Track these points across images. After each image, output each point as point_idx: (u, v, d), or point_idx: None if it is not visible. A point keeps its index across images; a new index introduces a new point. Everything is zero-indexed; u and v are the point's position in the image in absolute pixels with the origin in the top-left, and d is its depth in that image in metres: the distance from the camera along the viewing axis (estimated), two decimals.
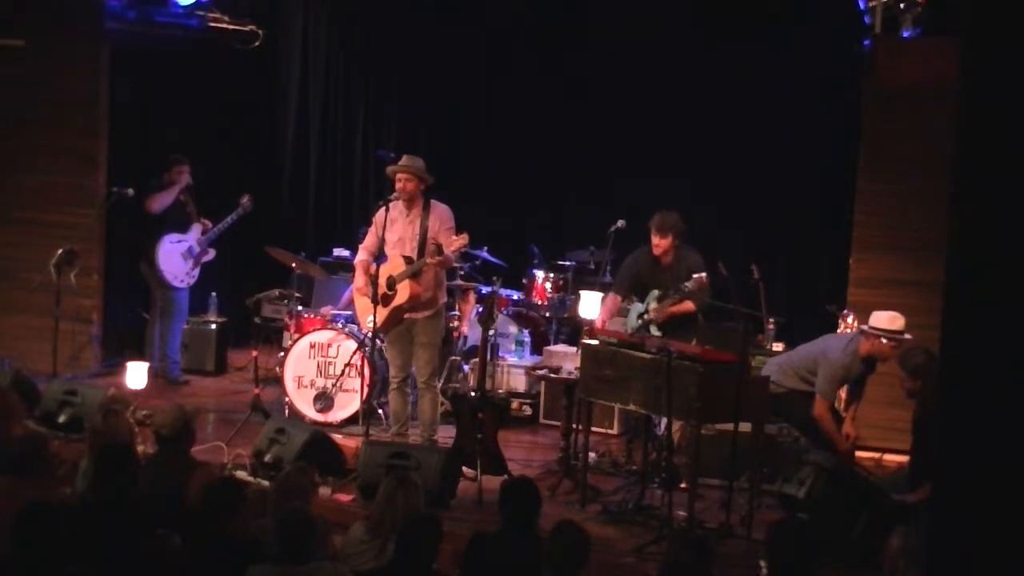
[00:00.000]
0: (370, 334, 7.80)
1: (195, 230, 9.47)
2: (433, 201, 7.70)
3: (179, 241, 9.41)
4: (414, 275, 7.54)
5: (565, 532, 4.84)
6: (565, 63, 11.02)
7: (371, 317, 7.53)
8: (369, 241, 7.81)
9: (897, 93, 8.50)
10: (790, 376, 7.24)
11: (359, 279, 7.77)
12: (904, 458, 7.30)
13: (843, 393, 7.80)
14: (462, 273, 9.19)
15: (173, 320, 9.49)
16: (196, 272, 9.50)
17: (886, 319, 7.08)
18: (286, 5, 11.31)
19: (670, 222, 7.59)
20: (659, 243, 7.61)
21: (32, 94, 9.52)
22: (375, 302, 7.45)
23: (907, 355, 6.80)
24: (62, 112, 9.50)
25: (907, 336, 7.06)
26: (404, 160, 7.71)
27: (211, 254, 9.55)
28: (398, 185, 7.65)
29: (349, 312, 8.92)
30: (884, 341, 7.04)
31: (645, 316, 7.66)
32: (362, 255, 7.82)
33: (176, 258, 9.40)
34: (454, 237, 7.48)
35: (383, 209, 7.70)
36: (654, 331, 7.63)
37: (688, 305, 7.55)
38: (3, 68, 9.47)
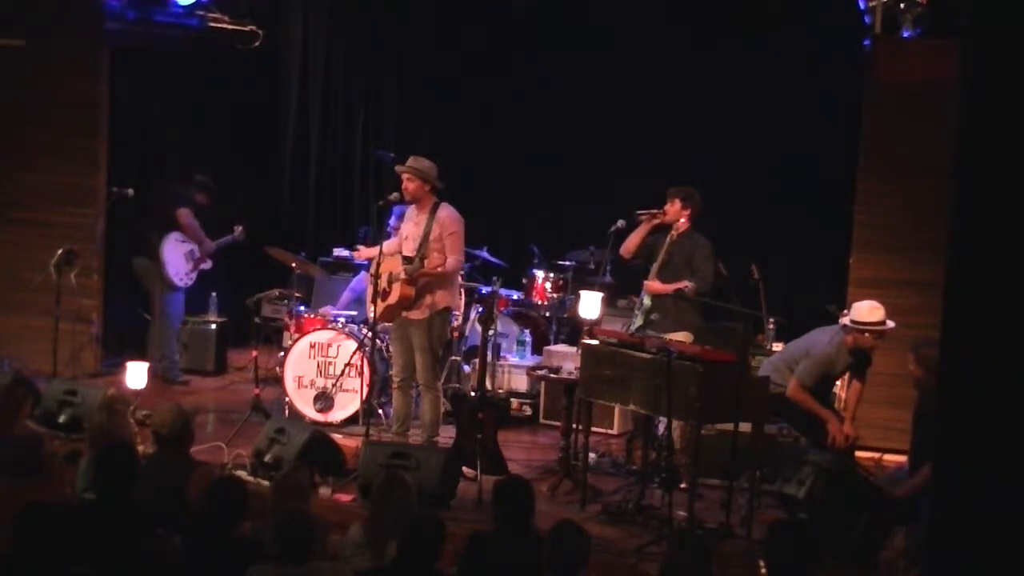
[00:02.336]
0: (370, 334, 7.83)
1: (207, 243, 9.61)
2: (443, 205, 7.67)
3: (184, 241, 9.47)
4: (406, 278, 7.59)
5: (565, 532, 4.84)
6: (565, 63, 11.02)
7: (373, 309, 7.59)
8: (395, 238, 7.86)
9: (897, 93, 8.50)
10: (785, 374, 7.25)
11: (375, 259, 7.90)
12: (904, 458, 7.29)
13: (843, 393, 7.81)
14: (462, 273, 9.17)
15: (171, 320, 9.50)
16: (194, 276, 9.55)
17: (865, 311, 7.09)
18: (286, 5, 11.30)
19: (678, 189, 7.80)
20: (665, 209, 7.77)
21: (32, 94, 9.52)
22: (374, 300, 7.49)
23: (923, 344, 6.76)
24: (62, 112, 9.50)
25: (890, 324, 7.06)
26: (410, 160, 7.71)
27: (208, 264, 9.62)
28: (401, 185, 7.67)
29: (350, 312, 8.93)
30: (866, 334, 7.05)
31: (652, 317, 7.71)
32: (389, 244, 7.89)
33: (180, 256, 9.46)
34: (436, 255, 7.49)
35: (385, 209, 7.78)
36: (647, 302, 7.71)
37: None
38: (3, 68, 9.47)
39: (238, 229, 9.71)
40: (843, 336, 7.15)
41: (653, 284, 7.70)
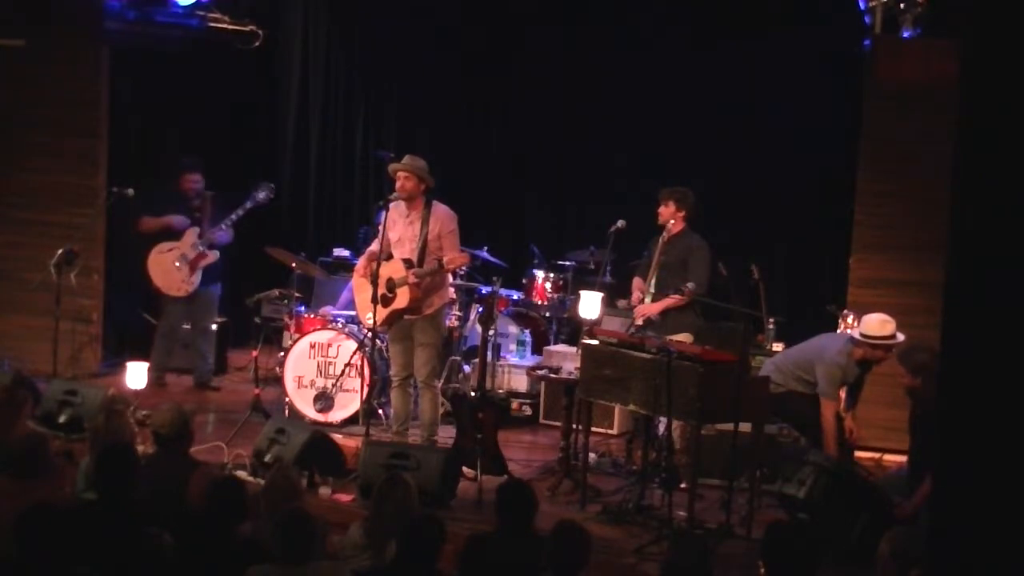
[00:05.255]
0: (370, 333, 7.83)
1: (190, 235, 9.20)
2: (435, 202, 7.69)
3: (169, 250, 9.20)
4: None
5: (565, 532, 4.84)
6: (565, 63, 11.02)
7: (370, 314, 7.55)
8: (381, 239, 7.81)
9: (897, 93, 8.50)
10: (787, 376, 7.25)
11: (360, 262, 7.90)
12: (904, 458, 7.29)
13: (843, 393, 7.81)
14: (462, 273, 9.18)
15: (161, 327, 9.37)
16: (195, 278, 9.21)
17: (876, 325, 7.05)
18: (286, 5, 11.31)
19: (672, 190, 7.78)
20: (660, 211, 7.77)
21: (32, 94, 9.52)
22: (375, 301, 7.46)
23: (909, 352, 6.78)
24: (62, 112, 9.50)
25: (899, 337, 7.05)
26: (406, 159, 7.72)
27: (212, 256, 9.24)
28: (397, 184, 7.67)
29: (350, 312, 8.92)
30: (878, 349, 7.04)
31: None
32: (372, 246, 7.86)
33: (167, 268, 9.20)
34: (456, 255, 7.49)
35: (386, 209, 7.73)
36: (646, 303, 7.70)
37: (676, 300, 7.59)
38: (3, 68, 9.47)
39: (262, 192, 9.17)
40: (852, 348, 7.14)
41: (645, 309, 7.66)
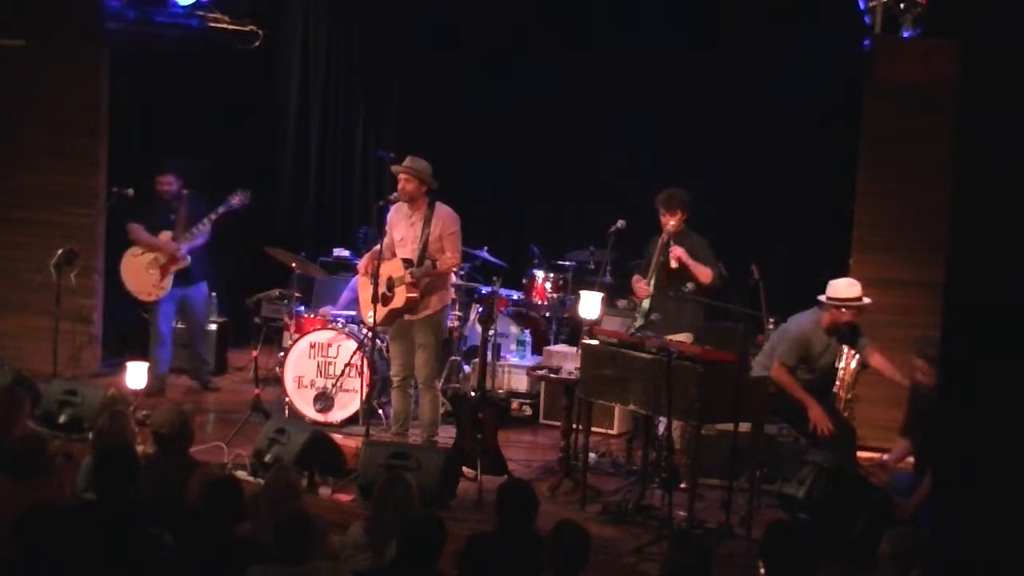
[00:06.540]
0: (370, 333, 7.83)
1: (163, 238, 9.04)
2: (439, 204, 7.68)
3: (141, 254, 9.08)
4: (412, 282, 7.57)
5: (565, 532, 4.84)
6: (565, 63, 11.01)
7: (370, 312, 7.57)
8: (386, 239, 7.81)
9: (897, 93, 8.50)
10: (767, 368, 7.26)
11: (363, 260, 7.92)
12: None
13: (843, 393, 7.81)
14: (462, 273, 9.18)
15: (152, 331, 9.22)
16: (166, 283, 9.02)
17: (843, 287, 7.11)
18: (286, 5, 11.31)
19: (676, 198, 7.67)
20: (668, 220, 7.66)
21: (32, 94, 9.52)
22: (375, 300, 7.47)
23: (929, 343, 6.74)
24: (62, 112, 9.50)
25: (866, 301, 7.07)
26: (407, 160, 7.72)
27: (184, 262, 9.01)
28: (398, 185, 7.67)
29: (350, 312, 8.92)
30: (843, 310, 7.05)
31: (652, 317, 7.68)
32: (377, 246, 7.86)
33: (139, 271, 9.07)
34: (448, 255, 7.49)
35: (390, 209, 7.75)
36: (645, 303, 7.68)
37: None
38: (3, 68, 9.48)
39: (236, 198, 8.96)
40: (820, 314, 7.17)
41: (681, 252, 7.50)
